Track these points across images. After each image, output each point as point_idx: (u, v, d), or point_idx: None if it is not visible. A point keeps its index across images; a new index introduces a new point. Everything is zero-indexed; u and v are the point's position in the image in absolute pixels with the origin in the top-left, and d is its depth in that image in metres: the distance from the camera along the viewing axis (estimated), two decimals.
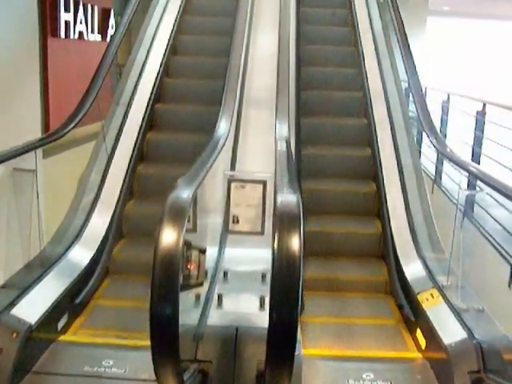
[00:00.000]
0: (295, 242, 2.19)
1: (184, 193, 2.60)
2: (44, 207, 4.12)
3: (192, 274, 2.56)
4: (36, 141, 4.05)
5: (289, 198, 2.53)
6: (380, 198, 5.21)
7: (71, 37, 7.72)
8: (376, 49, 6.65)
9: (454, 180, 5.69)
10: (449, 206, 5.98)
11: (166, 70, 6.55)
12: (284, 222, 2.28)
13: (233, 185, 3.26)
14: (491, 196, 4.62)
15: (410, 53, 5.44)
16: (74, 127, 4.36)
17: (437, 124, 6.97)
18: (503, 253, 5.45)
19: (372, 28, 6.96)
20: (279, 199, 2.51)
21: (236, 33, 5.87)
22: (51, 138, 4.20)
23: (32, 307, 3.45)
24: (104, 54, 5.22)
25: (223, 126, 4.32)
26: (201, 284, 2.64)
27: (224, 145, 4.07)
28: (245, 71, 5.87)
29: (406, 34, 5.70)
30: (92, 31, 8.37)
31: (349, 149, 5.88)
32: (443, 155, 4.97)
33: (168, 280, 2.25)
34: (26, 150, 3.82)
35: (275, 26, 6.21)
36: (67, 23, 7.55)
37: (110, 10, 8.98)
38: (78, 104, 4.65)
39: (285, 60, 5.49)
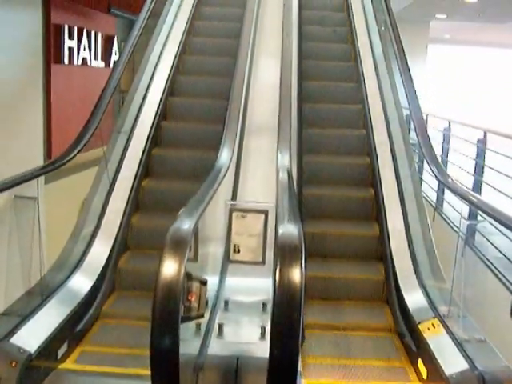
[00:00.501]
0: (296, 275, 2.19)
1: (185, 224, 2.60)
2: (45, 233, 4.11)
3: (193, 306, 2.55)
4: (37, 169, 4.04)
5: (290, 229, 2.53)
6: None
7: (75, 63, 7.79)
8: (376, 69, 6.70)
9: (456, 208, 5.69)
10: (450, 234, 5.96)
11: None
12: (285, 254, 2.28)
13: (234, 214, 3.26)
14: (492, 225, 4.60)
15: (411, 78, 5.44)
16: (76, 155, 4.35)
17: (437, 151, 6.96)
18: (505, 282, 5.42)
19: (372, 51, 7.00)
20: (280, 230, 2.51)
21: (238, 62, 5.87)
22: (53, 166, 4.19)
23: (32, 336, 3.42)
24: (107, 81, 5.23)
25: (225, 156, 4.32)
26: (201, 316, 2.63)
27: (225, 174, 4.07)
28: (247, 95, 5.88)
29: (406, 59, 5.70)
30: (95, 58, 8.44)
31: (348, 157, 5.97)
32: (444, 185, 4.97)
33: (168, 312, 2.25)
34: (27, 178, 3.80)
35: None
36: (71, 50, 7.62)
37: (113, 37, 9.07)
38: (81, 130, 4.64)
39: (287, 86, 5.49)
